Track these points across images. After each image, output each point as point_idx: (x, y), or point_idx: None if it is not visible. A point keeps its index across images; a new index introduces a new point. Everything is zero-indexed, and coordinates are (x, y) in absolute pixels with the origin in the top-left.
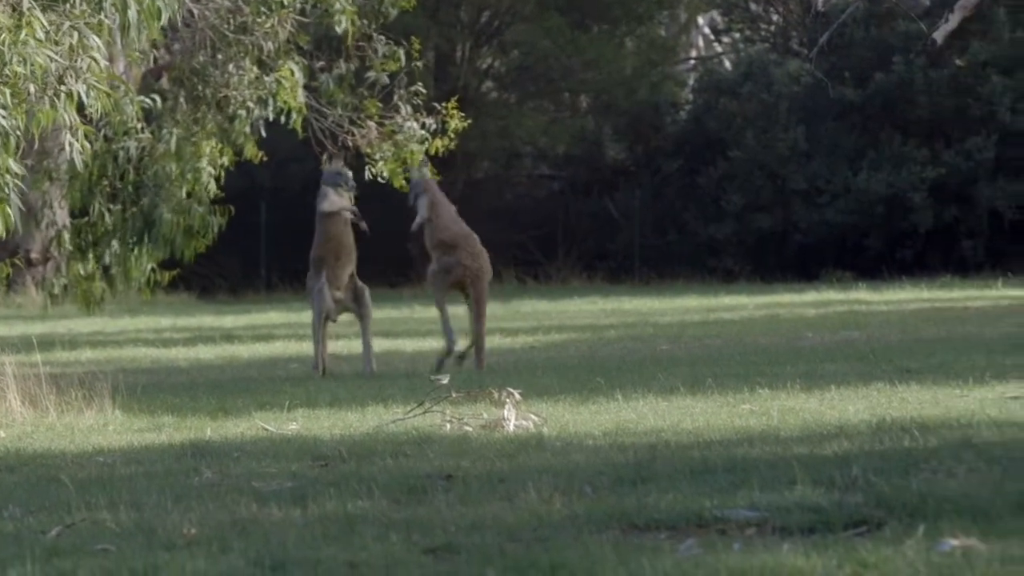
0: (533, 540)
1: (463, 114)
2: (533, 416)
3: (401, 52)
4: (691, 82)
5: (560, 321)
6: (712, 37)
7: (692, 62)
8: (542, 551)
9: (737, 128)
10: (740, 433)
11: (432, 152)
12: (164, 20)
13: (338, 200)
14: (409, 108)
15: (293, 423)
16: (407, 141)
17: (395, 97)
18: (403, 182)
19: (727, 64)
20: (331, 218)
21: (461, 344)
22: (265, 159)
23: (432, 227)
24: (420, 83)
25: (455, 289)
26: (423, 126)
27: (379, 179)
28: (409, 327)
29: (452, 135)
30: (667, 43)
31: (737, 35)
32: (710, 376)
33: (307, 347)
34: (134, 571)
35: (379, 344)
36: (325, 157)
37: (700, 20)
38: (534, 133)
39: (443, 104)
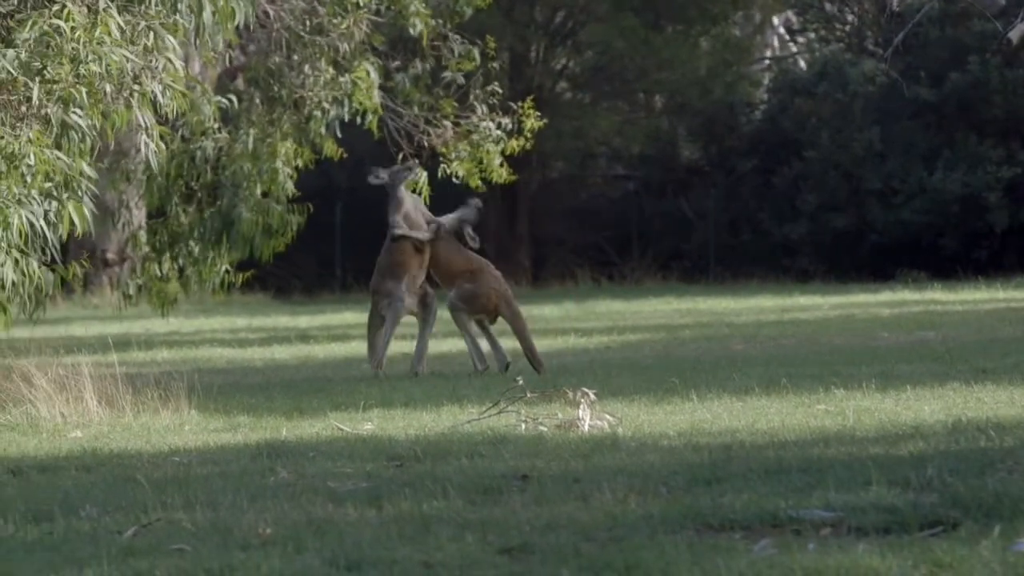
0: (608, 540)
1: (539, 113)
2: (608, 416)
3: (476, 51)
4: (766, 82)
5: (635, 321)
6: (787, 37)
7: (767, 62)
8: (617, 551)
9: (812, 128)
10: (815, 433)
11: (508, 152)
12: (239, 21)
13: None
14: (485, 108)
15: (368, 423)
16: (483, 141)
17: (471, 97)
18: (479, 182)
19: (802, 64)
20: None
21: (479, 366)
22: (344, 157)
23: (444, 257)
24: (496, 83)
25: (482, 314)
26: (499, 126)
27: (454, 179)
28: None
29: (528, 135)
30: (742, 43)
31: (812, 35)
32: (785, 376)
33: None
34: (210, 571)
35: (455, 345)
36: (401, 159)
37: (775, 20)
38: (609, 133)
39: (519, 103)
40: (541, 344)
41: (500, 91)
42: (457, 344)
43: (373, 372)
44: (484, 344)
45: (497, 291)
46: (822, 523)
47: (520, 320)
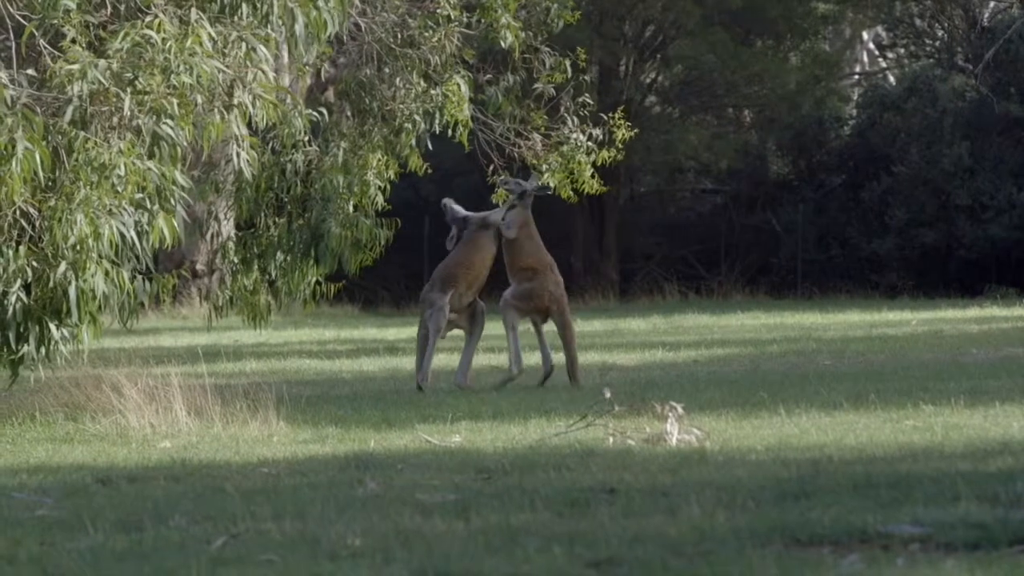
0: (696, 554)
1: (629, 124)
2: (696, 430)
3: (567, 63)
4: (855, 97)
5: (722, 335)
6: (877, 52)
7: (856, 77)
8: (705, 565)
9: (901, 143)
10: (904, 449)
11: (599, 163)
12: (330, 33)
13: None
14: (575, 119)
15: (456, 435)
16: (573, 152)
17: (561, 109)
18: (571, 193)
19: (891, 79)
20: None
21: (515, 368)
22: (430, 171)
23: (516, 249)
24: (586, 94)
25: (534, 315)
26: (589, 137)
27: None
28: None
29: (619, 145)
30: (831, 58)
31: (902, 50)
32: (873, 391)
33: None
34: None
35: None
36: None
37: (865, 35)
38: (697, 147)
39: (609, 115)
40: (628, 358)
41: (591, 102)
42: (537, 358)
43: (417, 385)
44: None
45: (552, 294)
46: (911, 538)
47: (570, 330)
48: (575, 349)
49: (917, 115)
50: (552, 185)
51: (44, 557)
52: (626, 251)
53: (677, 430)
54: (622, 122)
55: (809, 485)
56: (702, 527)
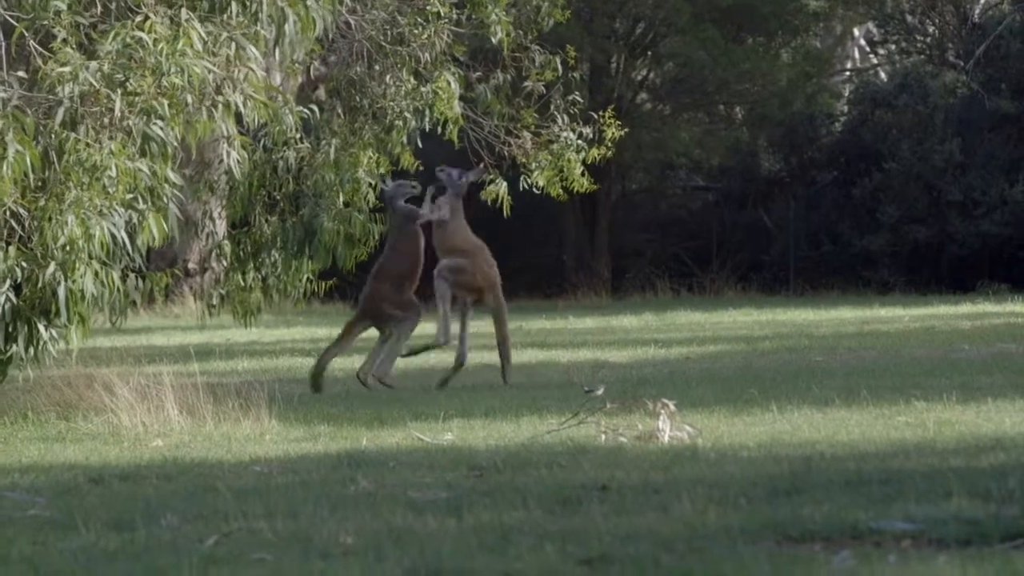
0: (688, 551)
1: (619, 123)
2: (688, 427)
3: (557, 61)
4: (846, 94)
5: (714, 332)
6: (868, 49)
7: (847, 74)
8: (697, 562)
9: (892, 140)
10: (895, 445)
11: (589, 161)
12: (319, 31)
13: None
14: (566, 118)
15: (448, 433)
16: (563, 150)
17: (551, 107)
18: (560, 191)
19: (883, 76)
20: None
21: (441, 338)
22: (422, 168)
23: (445, 231)
24: (576, 93)
25: (466, 294)
26: (580, 135)
27: (534, 189)
28: (564, 338)
29: (609, 144)
30: (823, 55)
31: (893, 47)
32: (865, 388)
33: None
34: None
35: (534, 355)
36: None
37: (856, 32)
38: (689, 145)
39: (600, 113)
40: (620, 355)
41: (581, 100)
42: (537, 355)
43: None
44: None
45: (486, 273)
46: (902, 535)
47: (503, 316)
48: (509, 347)
49: (908, 111)
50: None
51: (36, 556)
52: (618, 248)
53: (669, 427)
54: (612, 121)
55: (801, 482)
56: (694, 524)
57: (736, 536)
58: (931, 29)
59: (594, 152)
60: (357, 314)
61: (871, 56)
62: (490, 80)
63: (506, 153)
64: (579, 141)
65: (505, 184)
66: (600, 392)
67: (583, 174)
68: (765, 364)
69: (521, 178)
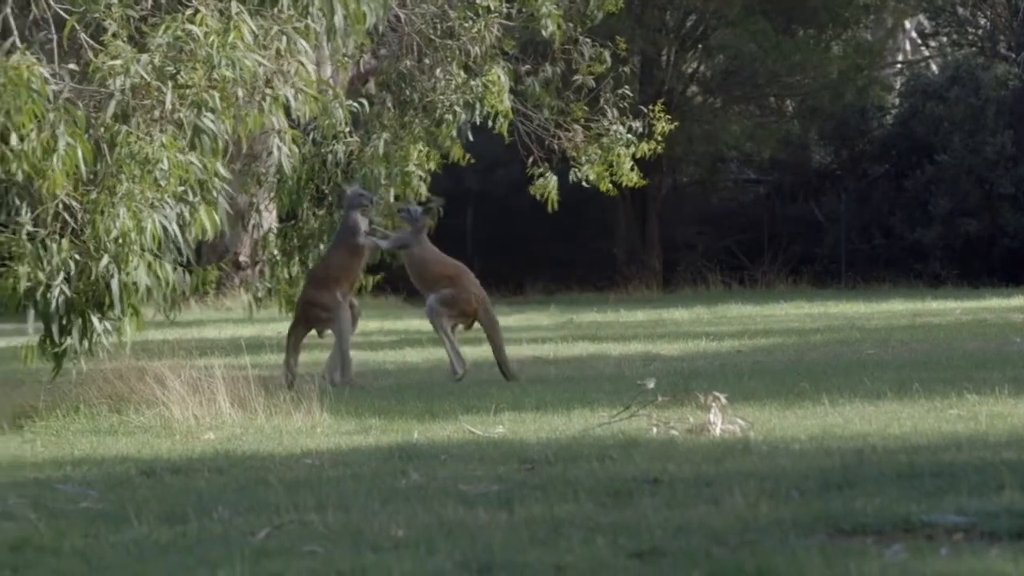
0: (739, 544)
1: (669, 116)
2: (739, 420)
3: (607, 54)
4: (898, 86)
5: (766, 325)
6: (919, 41)
7: (899, 66)
8: (748, 555)
9: (944, 132)
10: (947, 438)
11: (639, 155)
12: (369, 24)
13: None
14: (616, 111)
15: (499, 426)
16: (613, 144)
17: (601, 100)
18: (609, 185)
19: (934, 68)
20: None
21: (459, 369)
22: (472, 162)
23: (420, 264)
24: (626, 86)
25: (461, 320)
26: (629, 129)
27: (584, 183)
28: (615, 331)
29: (659, 137)
30: (874, 47)
31: (944, 39)
32: (917, 381)
33: (513, 350)
34: (342, 573)
35: (584, 348)
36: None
37: (907, 24)
38: (740, 138)
39: (649, 107)
40: (672, 348)
41: (631, 94)
42: (588, 348)
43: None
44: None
45: (476, 295)
46: (954, 528)
47: (497, 329)
48: (503, 347)
49: (960, 104)
50: (437, 210)
51: (88, 549)
52: (669, 241)
53: (721, 420)
54: (662, 114)
55: (853, 475)
56: (746, 517)
57: (788, 529)
58: (982, 21)
59: (644, 146)
60: (292, 321)
61: (922, 48)
62: (540, 73)
63: (556, 147)
64: (629, 135)
65: (555, 179)
66: (652, 385)
67: (632, 169)
68: (817, 357)
69: (571, 172)
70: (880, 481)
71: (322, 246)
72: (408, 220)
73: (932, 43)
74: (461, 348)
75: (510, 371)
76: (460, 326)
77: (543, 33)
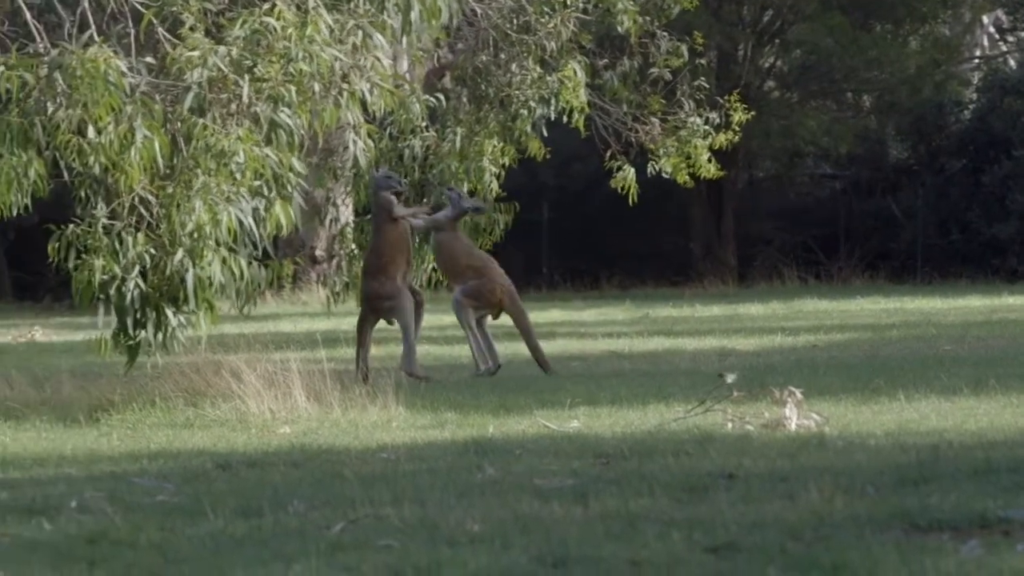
0: (815, 539)
1: (746, 106)
2: (815, 415)
3: (684, 48)
4: (975, 81)
5: (842, 320)
6: (997, 36)
7: (976, 61)
8: (824, 551)
9: (1022, 127)
10: None
11: (716, 146)
12: (445, 19)
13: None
14: (692, 103)
15: (574, 421)
16: (690, 136)
17: (678, 93)
18: (686, 177)
19: (1012, 63)
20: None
21: (482, 365)
22: (548, 157)
23: (446, 253)
24: (703, 78)
25: (488, 311)
26: (706, 121)
27: (663, 175)
28: (690, 326)
29: (736, 128)
30: (951, 42)
31: (1022, 34)
32: (993, 377)
33: (588, 345)
34: (417, 567)
35: (660, 343)
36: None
37: (985, 19)
38: (816, 132)
39: (726, 97)
40: (747, 343)
41: (707, 86)
42: (663, 343)
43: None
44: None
45: (503, 286)
46: None
47: (525, 318)
48: (535, 337)
49: None
50: (482, 206)
51: (164, 543)
52: (745, 236)
53: (796, 415)
54: (739, 105)
55: (929, 471)
56: (821, 513)
57: (863, 525)
58: None
59: (721, 137)
60: (360, 315)
61: (1000, 43)
62: (617, 67)
63: (633, 140)
64: (705, 127)
65: (633, 171)
66: (729, 379)
67: (710, 160)
68: (892, 352)
69: (648, 164)
70: (956, 477)
71: None
72: (450, 200)
73: (1010, 38)
74: (497, 344)
75: (545, 362)
76: (488, 316)
77: (619, 28)
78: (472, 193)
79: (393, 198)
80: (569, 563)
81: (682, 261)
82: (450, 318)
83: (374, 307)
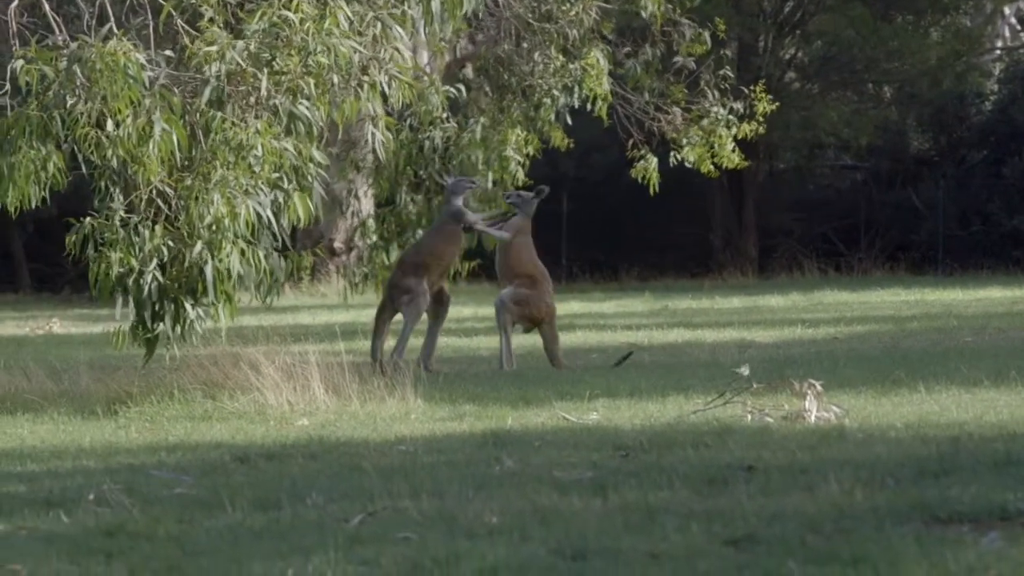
0: (834, 532)
1: (771, 96)
2: (835, 407)
3: (707, 35)
4: (997, 72)
5: (862, 312)
6: (1019, 27)
7: (998, 52)
8: (843, 543)
9: None
10: None
11: (740, 136)
12: (467, 9)
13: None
14: (716, 93)
15: (594, 413)
16: (714, 126)
17: (701, 83)
18: (710, 167)
19: None
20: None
21: (507, 367)
22: (571, 146)
23: (513, 256)
24: (727, 67)
25: (525, 323)
26: (730, 111)
27: (686, 163)
28: (710, 318)
29: (760, 118)
30: (972, 33)
31: None
32: (1014, 369)
33: (607, 337)
34: (436, 559)
35: (680, 335)
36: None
37: (1006, 10)
38: (837, 124)
39: (750, 87)
40: (767, 334)
41: (731, 75)
42: (683, 334)
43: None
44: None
45: (548, 305)
46: None
47: (556, 342)
48: (558, 352)
49: None
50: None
51: (182, 535)
52: (765, 227)
53: (816, 407)
54: (763, 95)
55: (949, 463)
56: (841, 505)
57: (883, 517)
58: None
59: (745, 127)
60: (380, 303)
61: (1022, 34)
62: (639, 55)
63: (656, 129)
64: (730, 116)
65: (655, 160)
66: (747, 372)
67: (734, 150)
68: (913, 344)
69: (671, 154)
70: (976, 469)
71: (420, 232)
72: (518, 206)
73: None
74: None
75: (560, 360)
76: (520, 327)
77: (642, 15)
78: (495, 182)
79: (459, 207)
80: (588, 555)
81: (702, 253)
82: (468, 310)
83: (392, 297)
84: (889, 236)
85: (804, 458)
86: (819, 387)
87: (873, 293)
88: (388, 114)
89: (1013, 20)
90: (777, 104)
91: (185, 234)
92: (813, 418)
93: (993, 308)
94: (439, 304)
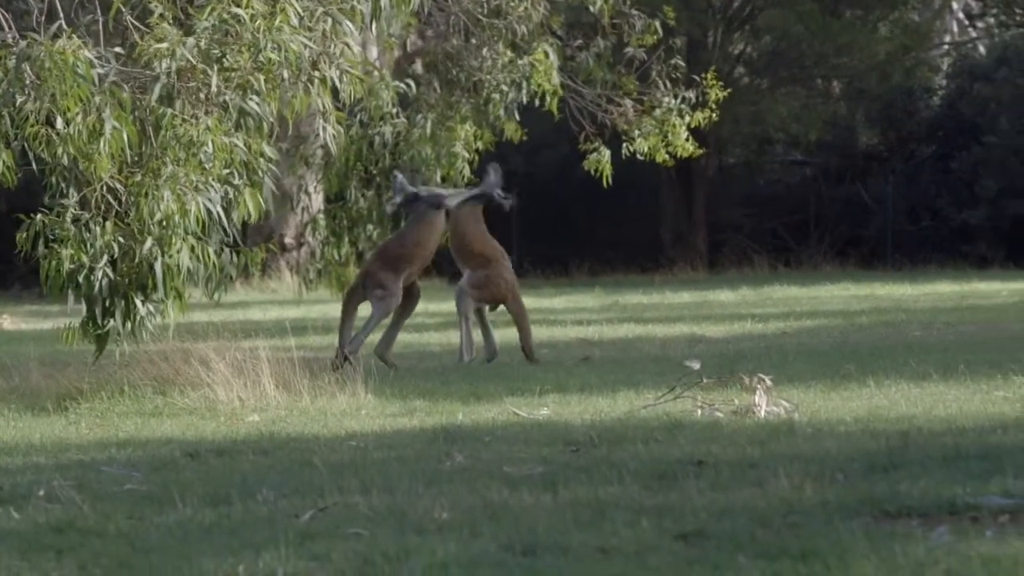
0: (784, 526)
1: (722, 84)
2: (784, 402)
3: (658, 24)
4: (945, 67)
5: (811, 307)
6: (966, 22)
7: (946, 47)
8: (793, 538)
9: (991, 113)
10: (994, 420)
11: (694, 124)
12: (415, 5)
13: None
14: (668, 83)
15: (544, 408)
16: (667, 115)
17: (652, 73)
18: (665, 156)
19: (981, 49)
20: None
21: (467, 356)
22: (525, 139)
23: (466, 236)
24: (678, 56)
25: (488, 303)
26: (683, 100)
27: (638, 155)
28: (660, 313)
29: (713, 105)
30: (921, 28)
31: (992, 20)
32: (963, 363)
33: (558, 332)
34: (386, 555)
35: (630, 330)
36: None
37: (954, 5)
38: (786, 119)
39: (702, 75)
40: (717, 329)
41: (683, 64)
42: (633, 329)
43: (345, 356)
44: (477, 335)
45: (508, 281)
46: (1000, 510)
47: (524, 316)
48: (529, 328)
49: (1007, 85)
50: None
51: (133, 531)
52: (715, 223)
53: (765, 402)
54: (715, 83)
55: (898, 457)
56: (790, 499)
57: (833, 512)
58: None
59: (698, 115)
60: (350, 287)
61: (970, 29)
62: (591, 47)
63: (608, 121)
64: (682, 105)
65: (608, 153)
66: (697, 367)
67: (688, 139)
68: (862, 339)
69: (623, 146)
70: (925, 464)
71: (371, 227)
72: (483, 182)
73: (980, 24)
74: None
75: (534, 356)
76: (486, 307)
77: (591, 8)
78: (444, 179)
79: (436, 192)
80: (538, 551)
81: (652, 248)
82: (419, 306)
83: (365, 285)
84: (839, 231)
85: (754, 453)
86: (769, 382)
87: (823, 288)
88: (338, 109)
89: (961, 15)
90: (729, 91)
91: (135, 230)
92: (763, 413)
93: (942, 303)
94: (409, 298)
